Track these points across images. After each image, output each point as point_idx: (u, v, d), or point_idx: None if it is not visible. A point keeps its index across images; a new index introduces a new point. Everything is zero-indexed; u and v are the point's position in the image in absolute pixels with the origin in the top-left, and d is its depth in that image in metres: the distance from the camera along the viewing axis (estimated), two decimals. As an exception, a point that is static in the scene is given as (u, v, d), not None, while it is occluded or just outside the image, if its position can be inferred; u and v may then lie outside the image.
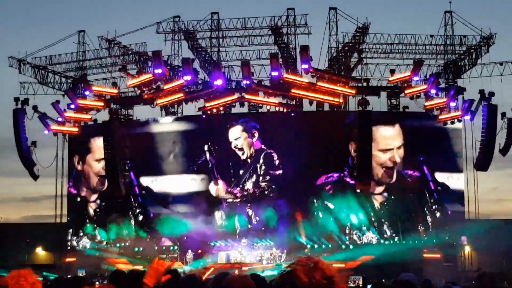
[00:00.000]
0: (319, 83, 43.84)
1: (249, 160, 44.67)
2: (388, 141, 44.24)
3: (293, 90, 44.07)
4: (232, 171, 44.58)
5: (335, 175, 43.54)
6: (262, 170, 44.32)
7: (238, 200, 44.52)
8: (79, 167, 48.05)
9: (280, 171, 43.89)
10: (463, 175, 44.81)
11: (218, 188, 44.71)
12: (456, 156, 44.99)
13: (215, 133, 45.28)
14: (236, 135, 45.03)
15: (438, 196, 43.89)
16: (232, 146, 44.88)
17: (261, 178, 44.32)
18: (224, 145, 44.83)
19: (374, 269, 35.87)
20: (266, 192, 44.22)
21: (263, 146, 44.64)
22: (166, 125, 47.13)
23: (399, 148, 44.11)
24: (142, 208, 46.56)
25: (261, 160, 44.43)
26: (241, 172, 44.56)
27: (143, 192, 46.44)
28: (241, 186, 44.50)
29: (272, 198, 43.92)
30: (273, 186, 44.10)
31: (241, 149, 44.79)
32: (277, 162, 44.07)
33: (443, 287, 8.73)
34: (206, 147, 44.87)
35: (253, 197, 44.23)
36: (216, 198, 44.71)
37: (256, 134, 44.84)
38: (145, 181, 46.69)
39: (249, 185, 44.47)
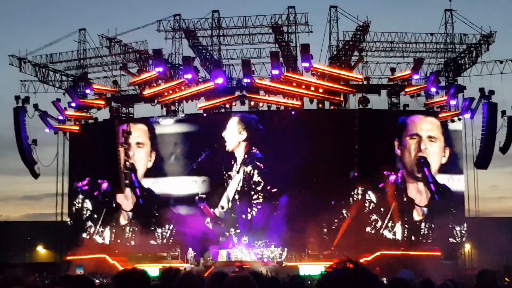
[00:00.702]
0: (320, 82, 43.94)
1: (237, 158, 44.63)
2: (418, 126, 44.33)
3: (293, 89, 44.17)
4: (224, 172, 44.80)
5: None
6: (257, 182, 44.31)
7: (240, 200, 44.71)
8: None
9: (275, 189, 43.89)
10: (464, 176, 44.82)
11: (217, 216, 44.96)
12: (457, 157, 44.96)
13: (216, 135, 45.21)
14: (230, 127, 45.10)
15: (438, 198, 43.85)
16: (222, 134, 44.94)
17: (255, 195, 44.37)
18: (222, 146, 44.96)
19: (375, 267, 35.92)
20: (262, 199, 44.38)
21: (253, 149, 44.61)
22: (168, 126, 47.08)
23: (430, 139, 44.07)
24: (144, 210, 46.58)
25: (254, 171, 44.38)
26: (232, 173, 44.67)
27: (145, 193, 46.45)
28: (231, 196, 44.64)
29: (273, 197, 43.93)
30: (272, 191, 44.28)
31: (225, 138, 44.93)
32: (268, 172, 44.17)
33: (442, 285, 8.74)
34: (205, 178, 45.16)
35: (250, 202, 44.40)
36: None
37: (244, 133, 44.79)
38: (146, 182, 46.71)
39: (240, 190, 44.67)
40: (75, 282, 8.30)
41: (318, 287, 3.60)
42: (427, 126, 44.47)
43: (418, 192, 43.93)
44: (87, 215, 48.06)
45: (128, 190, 46.46)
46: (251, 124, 44.97)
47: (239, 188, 44.59)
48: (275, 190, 43.84)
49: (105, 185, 47.18)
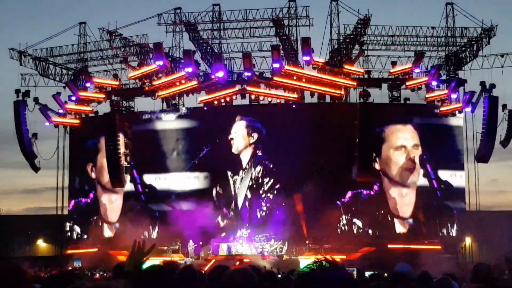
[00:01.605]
0: (320, 75, 43.88)
1: (243, 161, 44.56)
2: (400, 136, 43.88)
3: (294, 82, 44.13)
4: (230, 174, 44.79)
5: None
6: (266, 182, 44.26)
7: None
8: (93, 175, 47.56)
9: (284, 187, 43.84)
10: (465, 171, 44.69)
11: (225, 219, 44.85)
12: (459, 153, 44.82)
13: (218, 129, 45.08)
14: (237, 129, 44.95)
15: (441, 194, 43.75)
16: (229, 137, 44.82)
17: (264, 194, 44.35)
18: (225, 142, 44.84)
19: (374, 261, 35.97)
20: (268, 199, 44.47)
21: (259, 153, 44.53)
22: (169, 122, 46.91)
23: (414, 147, 43.71)
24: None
25: (264, 172, 44.32)
26: (238, 176, 44.63)
27: (146, 190, 46.39)
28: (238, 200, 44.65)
29: (282, 193, 43.92)
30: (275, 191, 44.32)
31: (233, 141, 44.80)
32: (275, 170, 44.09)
33: (441, 279, 8.71)
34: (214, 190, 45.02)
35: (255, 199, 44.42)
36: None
37: (255, 136, 44.69)
38: (148, 178, 46.61)
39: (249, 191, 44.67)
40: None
41: (295, 286, 3.57)
42: (408, 135, 44.02)
43: (401, 202, 43.44)
44: (76, 238, 48.58)
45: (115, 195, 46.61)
46: (259, 129, 44.80)
47: (248, 192, 44.48)
48: (284, 187, 43.78)
49: (91, 195, 47.53)
